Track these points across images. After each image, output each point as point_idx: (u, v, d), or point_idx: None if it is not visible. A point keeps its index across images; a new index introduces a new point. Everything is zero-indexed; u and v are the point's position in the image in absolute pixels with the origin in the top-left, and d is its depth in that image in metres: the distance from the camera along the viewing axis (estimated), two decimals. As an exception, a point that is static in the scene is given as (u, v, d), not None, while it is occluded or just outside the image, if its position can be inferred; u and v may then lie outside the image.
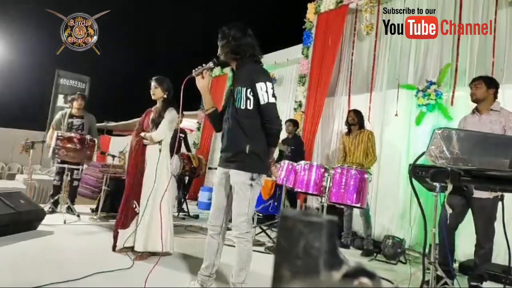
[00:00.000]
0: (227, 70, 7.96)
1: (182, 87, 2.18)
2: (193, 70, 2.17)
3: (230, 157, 2.08)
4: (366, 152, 4.07)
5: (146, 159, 2.99)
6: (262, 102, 2.00)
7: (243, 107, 2.04)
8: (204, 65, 2.16)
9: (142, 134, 3.04)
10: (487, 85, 2.82)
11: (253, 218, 4.53)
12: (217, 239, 2.20)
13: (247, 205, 2.03)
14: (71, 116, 4.70)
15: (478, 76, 2.98)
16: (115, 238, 2.93)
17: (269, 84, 2.03)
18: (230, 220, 2.18)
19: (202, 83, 2.19)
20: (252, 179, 2.02)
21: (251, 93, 2.03)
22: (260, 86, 2.00)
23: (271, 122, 2.04)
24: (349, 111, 4.37)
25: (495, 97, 2.85)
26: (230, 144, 2.10)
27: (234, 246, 2.10)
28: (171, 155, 3.13)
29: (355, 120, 4.16)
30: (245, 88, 2.04)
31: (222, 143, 2.18)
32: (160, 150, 2.94)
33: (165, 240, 2.86)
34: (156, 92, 3.07)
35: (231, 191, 2.12)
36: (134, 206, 2.93)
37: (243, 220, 2.03)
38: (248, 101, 2.03)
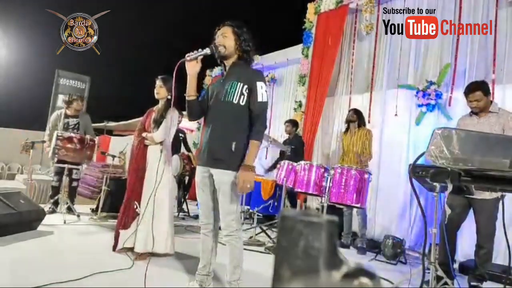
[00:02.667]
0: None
1: (174, 72, 2.08)
2: (187, 55, 2.08)
3: (215, 155, 2.04)
4: (362, 151, 4.11)
5: (147, 160, 2.98)
6: (259, 100, 2.04)
7: (235, 102, 2.03)
8: (200, 50, 2.08)
9: (144, 134, 3.03)
10: (484, 93, 2.75)
11: (253, 218, 4.53)
12: (210, 237, 2.22)
13: (235, 203, 2.03)
14: (66, 116, 4.71)
15: (473, 87, 2.81)
16: (116, 238, 2.92)
17: (265, 86, 2.11)
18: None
19: (194, 69, 2.12)
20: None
21: (247, 90, 2.05)
22: (260, 85, 2.06)
23: (261, 118, 2.07)
24: (350, 109, 4.45)
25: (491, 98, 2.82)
26: (216, 139, 2.05)
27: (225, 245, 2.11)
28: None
29: (354, 117, 4.24)
30: (241, 84, 2.04)
31: (206, 136, 2.10)
32: (161, 151, 2.92)
33: (166, 240, 2.86)
34: (161, 91, 3.05)
35: (215, 189, 2.10)
36: (135, 206, 2.92)
37: (232, 219, 2.04)
38: (242, 96, 2.04)
